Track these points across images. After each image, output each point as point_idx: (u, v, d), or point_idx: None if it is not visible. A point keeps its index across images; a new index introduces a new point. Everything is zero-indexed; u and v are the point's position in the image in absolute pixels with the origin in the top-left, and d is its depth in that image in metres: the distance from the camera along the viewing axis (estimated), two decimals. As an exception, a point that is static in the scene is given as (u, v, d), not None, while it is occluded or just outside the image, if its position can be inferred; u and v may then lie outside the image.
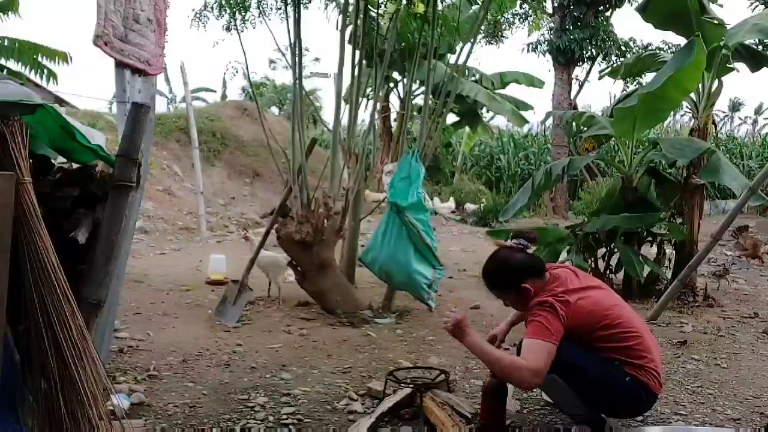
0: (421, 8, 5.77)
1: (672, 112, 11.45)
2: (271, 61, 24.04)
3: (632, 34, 24.52)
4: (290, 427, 2.71)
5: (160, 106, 24.71)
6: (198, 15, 5.93)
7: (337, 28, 6.34)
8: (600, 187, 12.04)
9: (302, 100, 5.35)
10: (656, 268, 5.47)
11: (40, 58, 8.33)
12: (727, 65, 5.46)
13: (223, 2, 5.71)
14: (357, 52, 5.33)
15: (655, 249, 5.85)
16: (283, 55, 6.58)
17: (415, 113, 11.88)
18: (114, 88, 2.95)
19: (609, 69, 10.11)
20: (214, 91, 29.38)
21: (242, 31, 5.71)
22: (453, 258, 7.31)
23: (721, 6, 10.06)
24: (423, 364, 3.51)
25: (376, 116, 6.38)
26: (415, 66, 5.54)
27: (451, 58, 9.21)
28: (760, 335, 4.41)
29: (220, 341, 3.91)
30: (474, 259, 7.15)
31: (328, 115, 28.83)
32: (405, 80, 11.98)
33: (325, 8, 7.30)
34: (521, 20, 13.34)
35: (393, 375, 3.05)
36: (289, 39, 5.14)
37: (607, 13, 14.82)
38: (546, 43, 14.86)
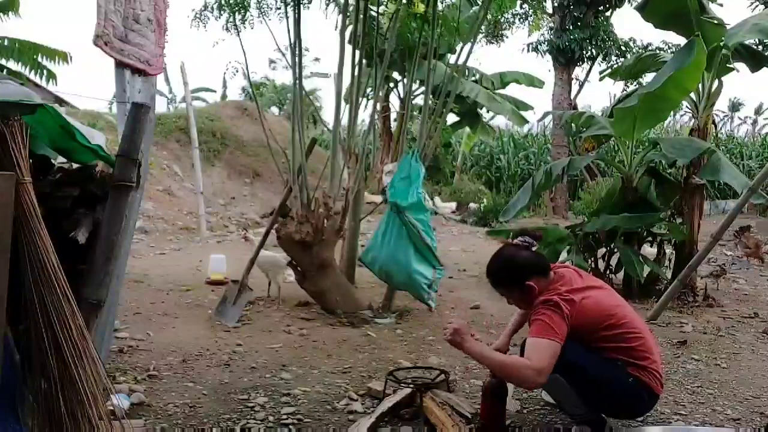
0: (421, 8, 5.76)
1: (672, 112, 11.45)
2: (271, 61, 24.02)
3: (632, 34, 24.62)
4: (290, 427, 2.71)
5: (160, 106, 24.73)
6: (198, 15, 5.92)
7: (336, 29, 6.35)
8: (600, 187, 12.05)
9: (302, 100, 5.35)
10: (656, 268, 5.47)
11: (40, 58, 8.34)
12: (727, 65, 5.46)
13: (223, 2, 5.70)
14: (357, 52, 5.33)
15: (655, 249, 5.85)
16: (283, 55, 6.60)
17: (415, 113, 11.88)
18: (114, 88, 2.95)
19: (609, 69, 10.12)
20: (214, 91, 29.40)
21: (242, 30, 5.71)
22: (453, 258, 7.31)
23: (721, 5, 10.07)
24: (423, 364, 3.51)
25: (376, 116, 6.37)
26: (415, 66, 5.54)
27: (451, 58, 9.20)
28: (760, 335, 4.41)
29: (220, 341, 3.91)
30: (474, 259, 7.16)
31: (328, 115, 28.87)
32: (405, 80, 11.98)
33: (326, 8, 7.31)
34: (521, 20, 13.32)
35: (393, 375, 3.04)
36: (289, 39, 5.14)
37: (607, 13, 14.84)
38: (546, 43, 14.87)
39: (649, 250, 5.87)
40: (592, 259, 5.71)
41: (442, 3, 7.17)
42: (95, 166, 2.44)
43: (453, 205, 13.56)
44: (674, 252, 5.72)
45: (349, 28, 6.16)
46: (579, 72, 15.64)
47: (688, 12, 5.05)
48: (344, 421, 2.76)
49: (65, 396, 1.94)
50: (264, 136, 5.99)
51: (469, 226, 11.74)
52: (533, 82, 13.88)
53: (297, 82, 5.25)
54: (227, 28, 5.81)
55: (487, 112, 13.77)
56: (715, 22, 5.11)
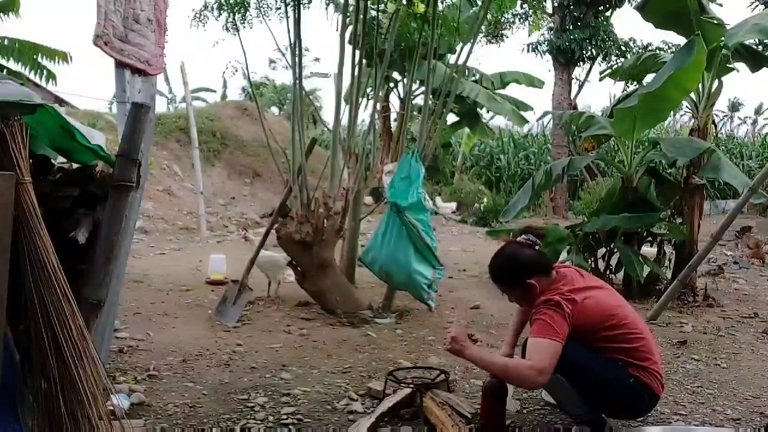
0: (421, 8, 5.76)
1: (672, 112, 11.44)
2: (271, 61, 24.01)
3: (632, 34, 24.61)
4: (290, 427, 2.71)
5: (160, 106, 24.75)
6: (198, 15, 5.92)
7: (336, 29, 6.35)
8: (600, 187, 12.05)
9: (302, 100, 5.35)
10: (656, 268, 5.47)
11: (39, 58, 8.33)
12: (727, 65, 5.46)
13: (223, 2, 5.70)
14: (357, 52, 5.33)
15: (655, 249, 5.85)
16: (283, 55, 6.60)
17: (415, 113, 11.87)
18: (114, 88, 2.95)
19: (609, 69, 10.11)
20: (214, 91, 29.42)
21: (242, 30, 5.71)
22: (453, 258, 7.31)
23: (721, 5, 10.07)
24: (423, 364, 3.51)
25: (376, 116, 6.37)
26: (415, 66, 5.54)
27: (451, 58, 9.20)
28: (759, 335, 4.41)
29: (220, 341, 3.91)
30: (474, 259, 7.16)
31: (328, 115, 28.88)
32: (405, 80, 11.97)
33: (326, 8, 7.31)
34: (521, 20, 13.35)
35: (393, 375, 3.04)
36: (289, 39, 5.15)
37: (607, 13, 14.83)
38: (546, 43, 14.87)
39: (649, 250, 5.87)
40: (592, 259, 5.71)
41: (442, 3, 7.17)
42: (95, 166, 2.44)
43: (453, 205, 13.57)
44: (674, 252, 5.72)
45: (349, 28, 6.16)
46: (579, 72, 15.68)
47: (688, 12, 5.05)
48: (344, 421, 2.76)
49: (65, 396, 1.94)
50: (264, 136, 5.99)
51: (469, 226, 11.75)
52: (533, 82, 13.88)
53: (297, 82, 5.25)
54: (227, 28, 5.81)
55: (487, 112, 13.78)
56: (715, 22, 5.11)
